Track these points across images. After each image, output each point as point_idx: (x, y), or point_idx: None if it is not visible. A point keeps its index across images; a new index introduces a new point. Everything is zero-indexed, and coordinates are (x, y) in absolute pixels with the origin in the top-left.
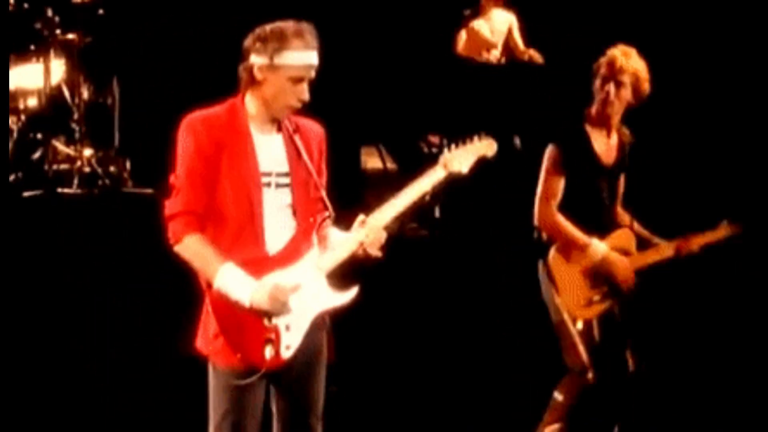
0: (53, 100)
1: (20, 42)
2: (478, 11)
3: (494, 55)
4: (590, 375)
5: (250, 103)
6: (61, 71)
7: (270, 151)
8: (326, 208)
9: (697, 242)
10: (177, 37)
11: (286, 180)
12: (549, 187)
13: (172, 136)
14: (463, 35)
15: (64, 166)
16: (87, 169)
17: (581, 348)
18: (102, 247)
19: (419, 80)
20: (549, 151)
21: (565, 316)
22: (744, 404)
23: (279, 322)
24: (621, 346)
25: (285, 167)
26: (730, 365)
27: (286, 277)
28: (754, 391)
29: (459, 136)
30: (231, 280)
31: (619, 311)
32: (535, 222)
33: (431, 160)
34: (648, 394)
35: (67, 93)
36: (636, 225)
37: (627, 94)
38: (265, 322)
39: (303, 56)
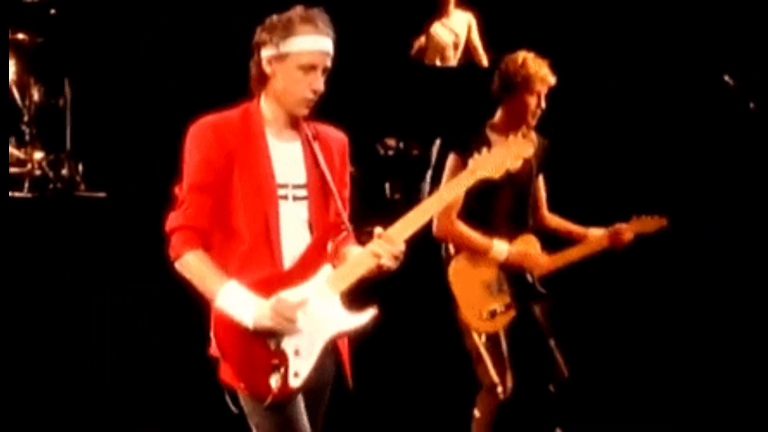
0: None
1: None
2: (436, 12)
3: (454, 56)
4: (500, 390)
5: (266, 105)
6: (10, 72)
7: (287, 159)
8: (344, 224)
9: (629, 230)
10: (131, 37)
11: (303, 192)
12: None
13: (125, 139)
14: (422, 39)
15: (14, 170)
16: (38, 172)
17: (489, 363)
18: (54, 251)
19: (375, 83)
20: (451, 159)
21: (472, 333)
22: (676, 403)
23: (287, 346)
24: (547, 353)
25: (302, 178)
26: (661, 366)
27: (294, 294)
28: (684, 388)
29: (414, 139)
30: (233, 299)
31: (542, 316)
32: (435, 232)
33: (388, 163)
34: (585, 399)
35: (17, 94)
36: (569, 225)
37: (542, 103)
38: (272, 345)
39: (312, 41)
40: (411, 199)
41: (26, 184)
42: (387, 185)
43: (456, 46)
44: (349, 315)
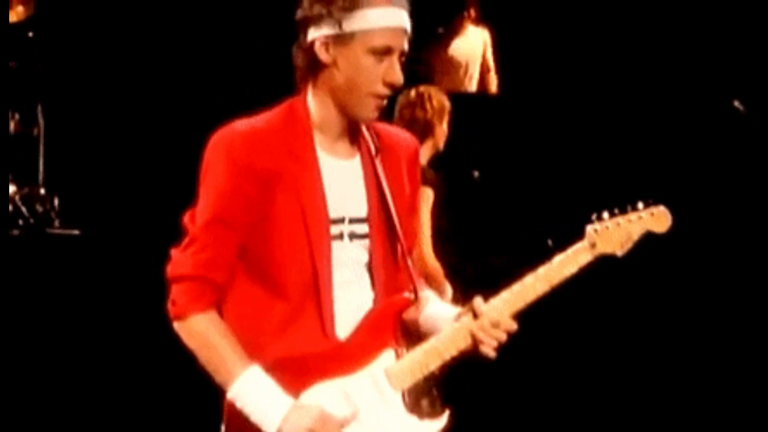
0: None
1: None
2: (453, 29)
3: (466, 75)
4: None
5: (316, 106)
6: None
7: (343, 184)
8: (411, 278)
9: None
10: (112, 59)
11: (365, 228)
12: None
13: (101, 172)
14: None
15: None
16: (9, 208)
17: None
18: (20, 293)
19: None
20: (429, 194)
21: None
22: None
23: None
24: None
25: (363, 209)
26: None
27: (339, 394)
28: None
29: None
30: (255, 396)
31: None
32: (431, 267)
33: None
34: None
35: None
36: None
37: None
38: None
39: (388, 14)
40: None
41: None
42: None
43: (468, 62)
44: (416, 423)
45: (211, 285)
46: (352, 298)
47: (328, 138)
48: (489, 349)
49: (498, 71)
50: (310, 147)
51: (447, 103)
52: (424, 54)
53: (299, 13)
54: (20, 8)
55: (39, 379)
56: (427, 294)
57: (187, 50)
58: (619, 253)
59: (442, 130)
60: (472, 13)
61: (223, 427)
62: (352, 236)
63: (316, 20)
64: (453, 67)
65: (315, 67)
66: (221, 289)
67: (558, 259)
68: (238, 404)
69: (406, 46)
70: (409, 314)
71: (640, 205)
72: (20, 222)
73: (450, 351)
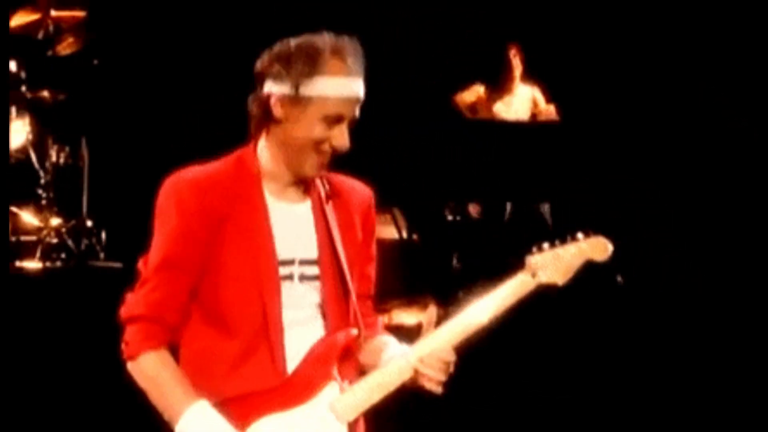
0: (18, 163)
1: None
2: (498, 90)
3: None
4: None
5: (266, 154)
6: (24, 132)
7: (292, 226)
8: (369, 316)
9: None
10: (160, 92)
11: (315, 270)
12: None
13: (145, 203)
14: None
15: (28, 238)
16: (54, 240)
17: None
18: (59, 328)
19: (440, 139)
20: None
21: None
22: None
23: None
24: None
25: (313, 251)
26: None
27: (283, 427)
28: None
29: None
30: (200, 427)
31: None
32: None
33: (456, 229)
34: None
35: (33, 156)
36: None
37: None
38: None
39: (343, 84)
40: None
41: (37, 254)
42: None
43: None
44: None
45: (163, 325)
46: (304, 337)
47: (277, 185)
48: (432, 384)
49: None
50: (258, 192)
51: None
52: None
53: (258, 66)
54: (71, 40)
55: (79, 411)
56: (386, 339)
57: (230, 82)
58: (560, 282)
59: None
60: (515, 72)
61: None
62: (302, 278)
63: (274, 77)
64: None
65: (268, 119)
66: (173, 329)
67: (499, 289)
68: None
69: (357, 113)
70: (367, 338)
71: (580, 235)
72: (63, 255)
73: (393, 383)
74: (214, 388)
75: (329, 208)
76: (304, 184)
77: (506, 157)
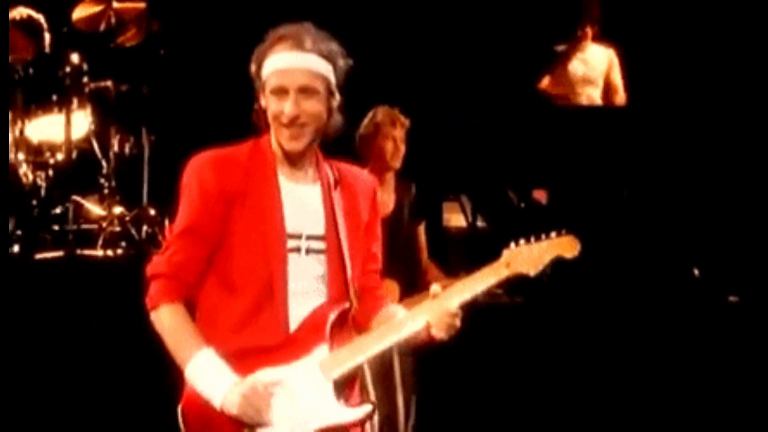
0: (81, 153)
1: (42, 92)
2: (572, 47)
3: (583, 92)
4: None
5: (274, 141)
6: (86, 123)
7: (301, 204)
8: (377, 288)
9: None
10: (221, 80)
11: (321, 245)
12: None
13: None
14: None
15: (90, 226)
16: (118, 229)
17: None
18: (119, 313)
19: (507, 124)
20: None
21: None
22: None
23: None
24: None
25: (320, 228)
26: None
27: (276, 377)
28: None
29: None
30: (205, 372)
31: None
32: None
33: (524, 215)
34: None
35: (96, 146)
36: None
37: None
38: None
39: (282, 58)
40: None
41: (99, 242)
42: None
43: (588, 82)
44: (340, 408)
45: (181, 283)
46: (306, 304)
47: (288, 167)
48: (439, 331)
49: (627, 91)
50: (272, 173)
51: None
52: (542, 73)
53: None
54: (133, 31)
55: (140, 395)
56: (393, 309)
57: None
58: (532, 273)
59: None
60: (589, 31)
61: (179, 407)
62: (309, 251)
63: (254, 74)
64: (570, 86)
65: (264, 112)
66: (190, 287)
67: (475, 276)
68: (192, 381)
69: (310, 83)
70: (371, 311)
71: (553, 234)
72: (122, 244)
73: (373, 347)
74: (222, 341)
75: (336, 193)
76: (314, 169)
77: (576, 142)
